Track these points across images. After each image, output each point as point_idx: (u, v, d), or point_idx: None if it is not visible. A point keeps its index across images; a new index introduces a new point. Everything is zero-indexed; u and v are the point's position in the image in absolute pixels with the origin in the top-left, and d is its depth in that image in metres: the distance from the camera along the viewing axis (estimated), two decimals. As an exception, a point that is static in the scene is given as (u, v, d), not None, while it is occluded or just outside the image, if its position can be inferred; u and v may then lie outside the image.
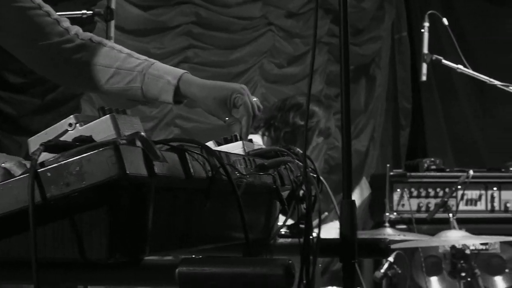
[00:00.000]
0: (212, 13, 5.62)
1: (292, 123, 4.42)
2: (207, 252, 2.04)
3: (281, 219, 2.08)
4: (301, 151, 2.01)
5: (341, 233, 1.88)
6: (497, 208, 5.18)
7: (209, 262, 1.38)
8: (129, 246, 1.37)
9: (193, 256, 1.82)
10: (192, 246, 1.73)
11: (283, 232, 2.26)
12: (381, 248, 2.02)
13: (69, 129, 1.49)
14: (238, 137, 2.06)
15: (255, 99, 2.24)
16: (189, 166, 1.48)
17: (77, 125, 1.48)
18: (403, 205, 5.10)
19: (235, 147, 1.99)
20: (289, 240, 2.12)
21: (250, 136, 4.38)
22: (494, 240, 4.97)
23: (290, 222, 2.07)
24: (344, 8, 1.98)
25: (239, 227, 1.64)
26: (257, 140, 4.42)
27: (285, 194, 2.08)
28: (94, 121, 1.47)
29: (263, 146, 4.24)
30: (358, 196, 4.81)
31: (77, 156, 1.31)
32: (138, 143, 1.37)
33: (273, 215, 2.10)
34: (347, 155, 1.91)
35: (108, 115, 1.46)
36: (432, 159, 5.37)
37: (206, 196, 1.59)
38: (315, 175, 2.07)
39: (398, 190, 5.10)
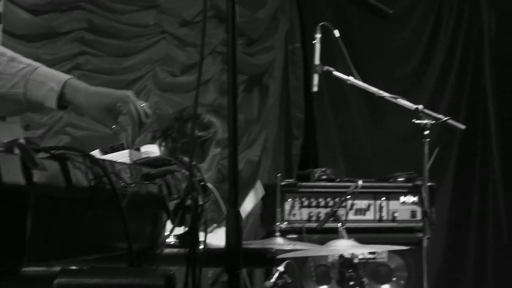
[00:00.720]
0: (105, 19, 5.55)
1: (189, 134, 4.40)
2: (92, 262, 2.00)
3: (177, 229, 2.07)
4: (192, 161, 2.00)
5: (227, 243, 1.88)
6: (385, 217, 5.27)
7: (89, 273, 1.36)
8: (5, 257, 1.33)
9: (76, 267, 1.78)
10: (75, 256, 1.69)
11: (172, 242, 2.24)
12: (267, 258, 2.03)
13: None
14: (125, 145, 2.04)
15: (143, 104, 2.21)
16: (70, 174, 1.45)
17: (-47, 131, 1.43)
18: (294, 214, 5.13)
19: (121, 156, 1.97)
20: (175, 250, 2.11)
21: (148, 147, 4.37)
22: (381, 249, 5.05)
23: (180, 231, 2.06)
24: (233, 18, 1.97)
25: (124, 237, 1.62)
26: (155, 150, 4.39)
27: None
28: (-29, 128, 1.43)
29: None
30: (253, 198, 4.82)
31: (-50, 163, 1.26)
32: (16, 151, 1.34)
33: (160, 224, 2.09)
34: (233, 165, 1.91)
35: (-15, 122, 1.42)
36: (323, 169, 5.43)
37: (89, 205, 1.56)
38: (203, 185, 2.06)
39: (289, 199, 5.13)
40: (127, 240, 1.58)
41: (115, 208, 1.58)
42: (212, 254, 1.99)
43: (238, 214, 1.92)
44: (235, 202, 1.92)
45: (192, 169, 1.91)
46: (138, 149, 2.10)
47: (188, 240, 1.95)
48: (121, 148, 2.00)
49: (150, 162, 1.97)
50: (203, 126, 4.45)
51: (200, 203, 1.97)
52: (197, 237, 1.92)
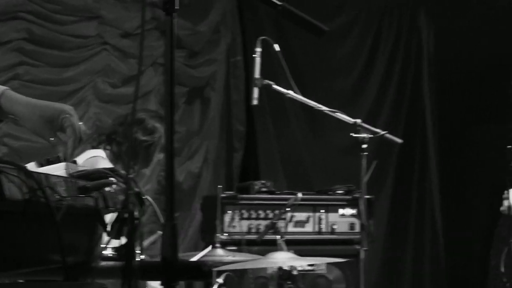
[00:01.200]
0: (45, 30, 5.51)
1: (134, 138, 4.41)
2: (27, 276, 1.99)
3: (113, 242, 2.06)
4: (129, 172, 2.00)
5: (163, 256, 1.89)
6: (324, 230, 5.31)
7: (23, 287, 1.35)
8: None
9: (10, 281, 1.77)
10: (9, 270, 1.68)
11: (110, 255, 2.24)
12: (203, 271, 2.04)
13: None
14: (62, 158, 2.03)
15: (80, 123, 2.21)
16: (3, 187, 1.45)
17: None
18: (234, 226, 5.14)
19: (58, 169, 1.96)
20: (111, 263, 2.10)
21: (93, 151, 4.35)
22: (320, 261, 5.09)
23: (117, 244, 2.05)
24: (171, 34, 1.99)
25: (59, 250, 1.61)
26: (101, 154, 4.38)
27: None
28: None
29: (106, 160, 4.23)
30: None
31: None
32: (-52, 164, 1.33)
33: (96, 237, 2.08)
34: (170, 178, 1.92)
35: None
36: (263, 181, 5.45)
37: (23, 218, 1.55)
38: (142, 197, 2.06)
39: (229, 211, 5.14)
40: (61, 254, 1.58)
41: (49, 221, 1.58)
42: (148, 267, 2.00)
43: (174, 227, 1.93)
44: (171, 215, 1.93)
45: (128, 181, 1.92)
46: (74, 162, 2.09)
47: (124, 253, 1.95)
48: (57, 161, 2.00)
49: (87, 175, 1.97)
50: (148, 131, 4.46)
51: (137, 216, 1.98)
52: (133, 250, 1.92)
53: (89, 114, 5.66)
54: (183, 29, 6.12)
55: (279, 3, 2.30)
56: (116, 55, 5.90)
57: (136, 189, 2.05)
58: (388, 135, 4.54)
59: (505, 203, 4.24)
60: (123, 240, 1.99)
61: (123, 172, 2.07)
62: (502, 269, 4.40)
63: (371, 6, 7.26)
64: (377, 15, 7.29)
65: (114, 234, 2.00)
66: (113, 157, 4.40)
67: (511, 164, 3.26)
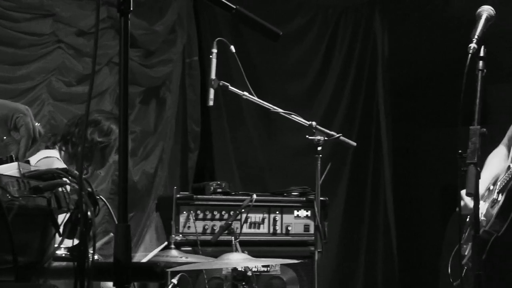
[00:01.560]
0: (-1, 27, 5.46)
1: (90, 139, 4.41)
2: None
3: (67, 242, 2.05)
4: (82, 174, 1.99)
5: (115, 257, 1.88)
6: (278, 231, 5.33)
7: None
8: None
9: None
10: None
11: (63, 255, 2.22)
12: (156, 272, 2.04)
13: None
14: (14, 158, 2.02)
15: (37, 124, 2.20)
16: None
17: None
18: (189, 227, 5.14)
19: (10, 168, 1.94)
20: (64, 263, 2.09)
21: (47, 152, 4.32)
22: (274, 263, 5.11)
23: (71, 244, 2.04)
24: (126, 35, 1.98)
25: (10, 250, 1.60)
26: (55, 154, 4.36)
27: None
28: None
29: (61, 161, 4.21)
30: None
31: None
32: None
33: (48, 237, 2.07)
34: (123, 180, 1.91)
35: None
36: (219, 182, 5.46)
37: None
38: (95, 197, 2.05)
39: (185, 212, 5.14)
40: (13, 254, 1.57)
41: (0, 221, 1.57)
42: (101, 268, 1.99)
43: (127, 228, 1.92)
44: (124, 216, 1.93)
45: (81, 182, 1.91)
46: (28, 162, 2.08)
47: (77, 253, 1.94)
48: (10, 160, 1.98)
49: (39, 175, 1.96)
50: (104, 133, 4.47)
51: (90, 216, 1.97)
52: (86, 250, 1.91)
53: (43, 112, 5.61)
54: (139, 28, 6.10)
55: (233, 6, 2.31)
56: (71, 53, 5.86)
57: (89, 189, 2.05)
58: (342, 138, 4.57)
59: (462, 203, 4.29)
60: (76, 240, 1.98)
61: (75, 172, 2.06)
62: (449, 271, 4.47)
63: (327, 8, 7.30)
64: (332, 18, 7.32)
65: (67, 234, 1.99)
66: (68, 158, 4.39)
67: (462, 168, 3.30)
